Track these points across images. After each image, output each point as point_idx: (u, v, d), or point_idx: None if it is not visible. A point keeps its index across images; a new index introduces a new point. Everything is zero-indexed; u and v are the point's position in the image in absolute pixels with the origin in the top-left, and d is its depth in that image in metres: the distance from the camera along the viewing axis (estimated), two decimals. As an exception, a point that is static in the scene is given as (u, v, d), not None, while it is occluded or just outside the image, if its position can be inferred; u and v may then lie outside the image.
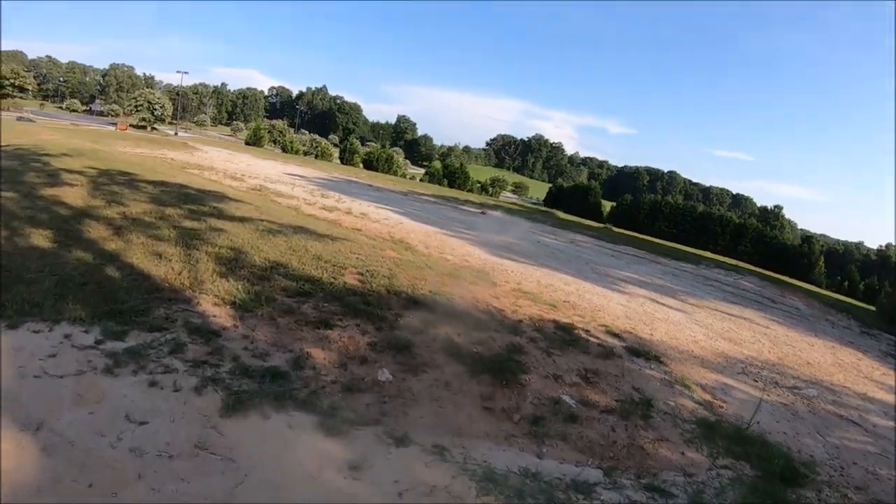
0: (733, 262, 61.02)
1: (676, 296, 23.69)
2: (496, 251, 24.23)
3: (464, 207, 50.26)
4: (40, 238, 12.90)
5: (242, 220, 16.98)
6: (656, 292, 23.19)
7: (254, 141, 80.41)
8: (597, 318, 13.74)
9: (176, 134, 78.33)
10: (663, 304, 20.30)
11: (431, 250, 20.56)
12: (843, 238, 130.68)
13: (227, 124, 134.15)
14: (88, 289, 9.83)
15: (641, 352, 11.04)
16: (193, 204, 18.27)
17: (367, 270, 12.22)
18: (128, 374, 7.16)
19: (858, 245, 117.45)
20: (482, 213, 44.56)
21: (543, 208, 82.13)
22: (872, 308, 43.77)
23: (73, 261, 11.20)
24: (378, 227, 23.51)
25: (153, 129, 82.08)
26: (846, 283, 70.77)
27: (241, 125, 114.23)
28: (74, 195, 17.85)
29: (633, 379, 9.38)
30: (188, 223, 15.87)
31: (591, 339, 11.16)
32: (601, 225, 71.29)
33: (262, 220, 17.15)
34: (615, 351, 10.66)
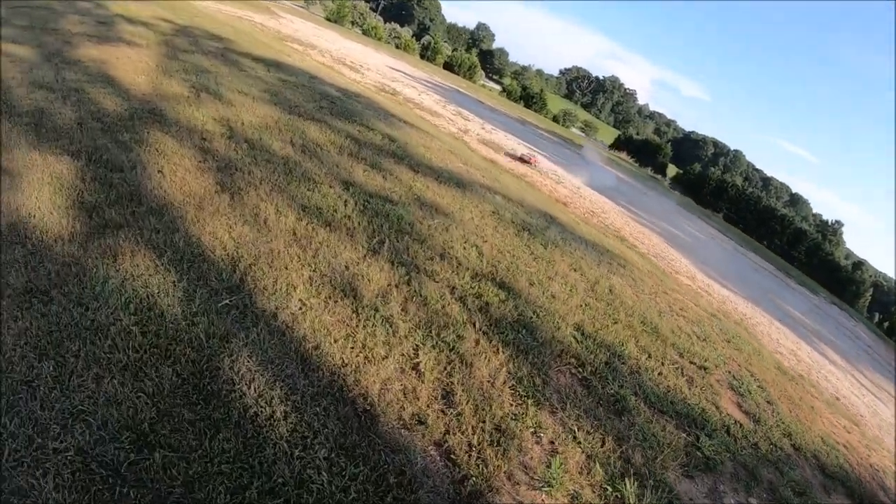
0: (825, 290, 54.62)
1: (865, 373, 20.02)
2: (697, 262, 18.55)
3: (578, 151, 41.33)
4: (43, 180, 5.00)
5: (459, 183, 9.19)
6: (851, 364, 19.17)
7: (336, 19, 70.17)
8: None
9: (252, -4, 67.66)
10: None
11: (661, 263, 14.21)
12: (881, 269, 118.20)
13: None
14: None
15: None
16: (348, 120, 9.73)
17: (736, 378, 7.17)
18: None
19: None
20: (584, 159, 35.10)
21: (651, 173, 73.22)
22: None
23: (92, 285, 3.72)
24: (575, 199, 15.55)
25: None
26: (886, 325, 67.12)
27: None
28: (134, 65, 9.34)
29: None
30: (362, 173, 7.32)
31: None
32: (693, 202, 63.36)
33: (492, 190, 8.89)
34: None
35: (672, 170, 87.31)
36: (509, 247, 7.31)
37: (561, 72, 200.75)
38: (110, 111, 7.19)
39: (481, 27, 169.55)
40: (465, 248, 6.54)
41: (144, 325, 3.64)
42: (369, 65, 26.36)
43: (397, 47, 76.38)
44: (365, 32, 73.56)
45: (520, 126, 34.70)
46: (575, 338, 5.67)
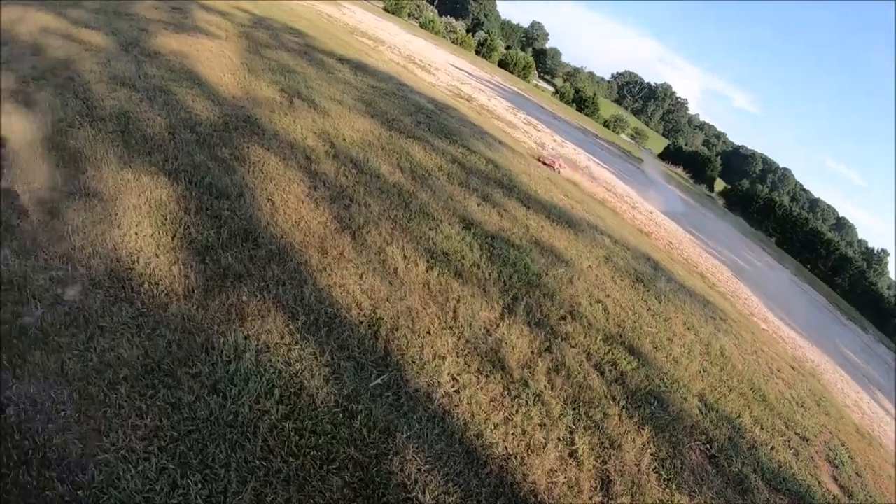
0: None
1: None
2: (764, 298, 16.93)
3: (639, 166, 40.71)
4: (141, 208, 4.24)
5: (569, 222, 8.92)
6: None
7: (393, 10, 69.43)
8: None
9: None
10: None
11: (739, 304, 13.89)
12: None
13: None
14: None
15: None
16: (448, 139, 9.34)
17: (830, 448, 7.18)
18: None
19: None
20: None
21: (705, 191, 70.79)
22: None
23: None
24: (654, 228, 15.61)
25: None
26: (925, 363, 60.92)
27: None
28: (218, 61, 8.79)
29: None
30: (476, 208, 6.86)
31: None
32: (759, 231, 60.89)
33: (598, 229, 9.57)
34: None
35: (719, 184, 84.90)
36: (629, 302, 7.14)
37: (613, 76, 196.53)
38: (202, 118, 6.49)
39: (535, 26, 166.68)
40: (591, 305, 6.30)
41: (297, 418, 3.02)
42: (436, 64, 25.61)
43: (453, 42, 75.53)
44: (422, 25, 72.95)
45: (582, 135, 33.66)
46: (700, 409, 5.65)
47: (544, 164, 14.30)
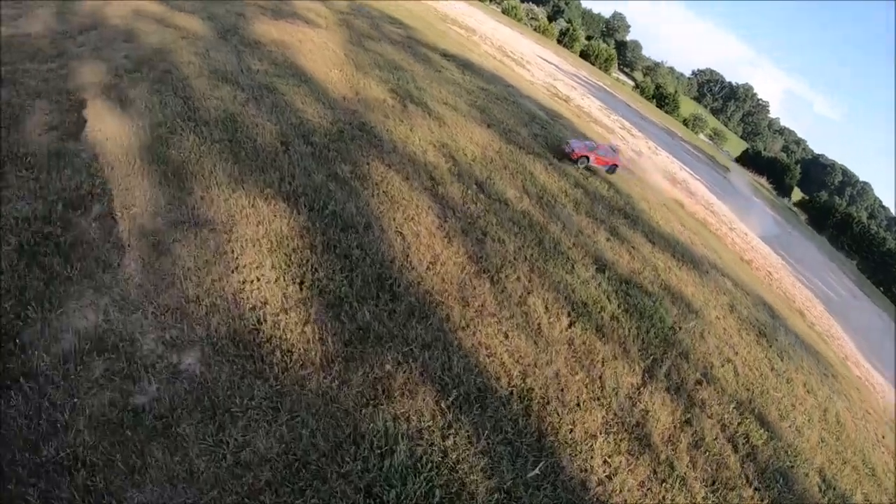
0: None
1: None
2: (853, 334, 15.71)
3: (726, 175, 39.83)
4: (260, 243, 3.75)
5: (692, 261, 8.23)
6: None
7: (477, -6, 68.40)
8: None
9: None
10: None
11: (835, 345, 13.30)
12: None
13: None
14: None
15: None
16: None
17: None
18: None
19: None
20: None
21: (788, 205, 66.88)
22: None
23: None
24: (752, 255, 14.14)
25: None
26: None
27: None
28: (321, 53, 8.35)
29: None
30: (606, 244, 6.60)
31: None
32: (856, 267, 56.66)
33: (717, 268, 8.99)
34: None
35: (796, 193, 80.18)
36: (755, 360, 6.92)
37: (693, 73, 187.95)
38: (315, 124, 5.93)
39: (617, 17, 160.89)
40: (722, 366, 6.07)
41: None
42: (526, 56, 24.74)
43: (535, 30, 73.63)
44: (504, 11, 71.39)
45: (670, 139, 32.17)
46: (819, 486, 5.57)
47: (567, 156, 10.94)
